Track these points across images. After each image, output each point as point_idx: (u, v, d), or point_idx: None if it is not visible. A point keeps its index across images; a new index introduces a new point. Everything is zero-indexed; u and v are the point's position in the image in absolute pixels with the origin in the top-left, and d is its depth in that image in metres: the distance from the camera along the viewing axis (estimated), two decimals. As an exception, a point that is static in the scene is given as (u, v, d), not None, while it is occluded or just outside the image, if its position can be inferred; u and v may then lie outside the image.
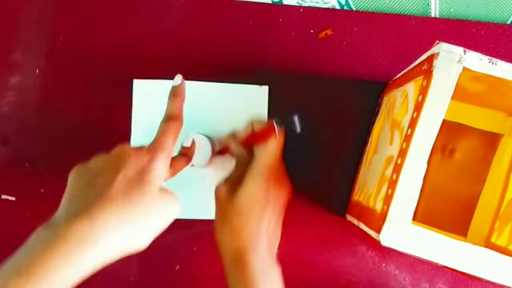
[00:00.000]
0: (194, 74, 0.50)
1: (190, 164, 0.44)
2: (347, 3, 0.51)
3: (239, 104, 0.50)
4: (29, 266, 0.29)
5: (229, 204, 0.41)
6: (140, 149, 0.36)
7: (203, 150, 0.50)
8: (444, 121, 0.31)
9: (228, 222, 0.41)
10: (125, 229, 0.32)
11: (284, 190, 0.44)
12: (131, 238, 0.33)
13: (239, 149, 0.45)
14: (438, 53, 0.32)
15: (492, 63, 0.32)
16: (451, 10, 0.52)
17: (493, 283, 0.32)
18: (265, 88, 0.50)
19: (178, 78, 0.41)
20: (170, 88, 0.42)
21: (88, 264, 0.30)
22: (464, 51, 0.32)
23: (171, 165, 0.38)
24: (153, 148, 0.36)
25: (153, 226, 0.34)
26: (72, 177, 0.36)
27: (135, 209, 0.33)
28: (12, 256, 0.31)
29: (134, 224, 0.33)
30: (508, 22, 0.52)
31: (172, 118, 0.39)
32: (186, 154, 0.43)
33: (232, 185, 0.42)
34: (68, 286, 0.30)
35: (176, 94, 0.41)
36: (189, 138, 0.44)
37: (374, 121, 0.48)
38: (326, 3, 0.51)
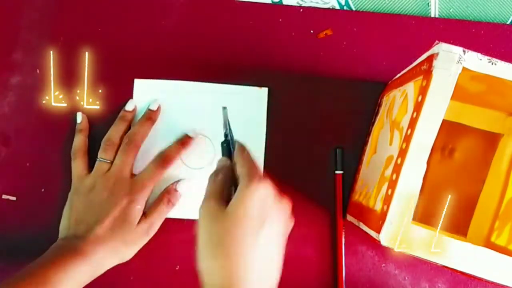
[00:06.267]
0: (194, 74, 0.50)
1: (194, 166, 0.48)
2: (347, 3, 0.51)
3: (239, 105, 0.50)
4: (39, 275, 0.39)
5: (219, 220, 0.34)
6: (128, 185, 0.45)
7: (202, 150, 0.50)
8: (444, 121, 0.31)
9: (217, 243, 0.33)
10: (112, 255, 0.44)
11: (284, 214, 0.36)
12: (117, 259, 0.45)
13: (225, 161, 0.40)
14: (437, 53, 0.32)
15: (492, 63, 0.32)
16: (450, 10, 0.52)
17: (493, 283, 0.32)
18: (265, 90, 0.50)
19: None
20: (170, 88, 0.50)
21: (84, 278, 0.42)
22: (464, 51, 0.32)
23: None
24: (136, 189, 0.45)
25: (133, 248, 0.46)
26: (74, 194, 0.47)
27: (118, 241, 0.44)
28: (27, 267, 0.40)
29: (118, 250, 0.44)
30: (508, 22, 0.52)
31: (164, 159, 0.47)
32: (150, 118, 0.48)
33: (221, 199, 0.35)
34: None
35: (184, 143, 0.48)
36: (156, 103, 0.49)
37: (374, 121, 0.48)
38: (326, 3, 0.51)
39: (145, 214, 0.46)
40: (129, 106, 0.49)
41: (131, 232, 0.45)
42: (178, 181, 0.49)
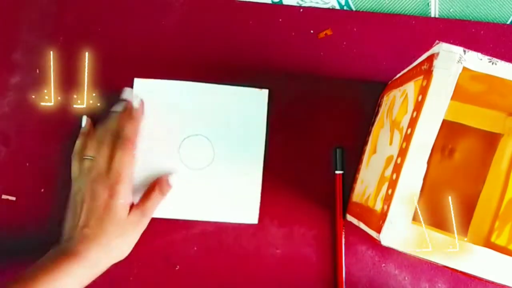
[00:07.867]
0: (194, 74, 0.50)
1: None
2: (347, 3, 0.51)
3: (239, 106, 0.50)
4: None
5: None
6: (107, 179, 0.44)
7: (202, 151, 0.50)
8: (444, 121, 0.31)
9: None
10: (106, 252, 0.43)
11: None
12: (113, 257, 0.44)
13: None
14: (438, 53, 0.32)
15: (492, 63, 0.32)
16: (451, 10, 0.52)
17: (493, 283, 0.32)
18: (265, 92, 0.50)
19: (137, 100, 0.48)
20: (170, 88, 0.49)
21: (81, 280, 0.41)
22: (464, 51, 0.32)
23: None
24: (114, 181, 0.43)
25: (127, 243, 0.45)
26: (74, 192, 0.46)
27: (109, 237, 0.43)
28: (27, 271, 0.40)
29: (112, 246, 0.43)
30: (508, 22, 0.52)
31: (128, 140, 0.45)
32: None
33: None
34: None
35: (133, 117, 0.47)
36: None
37: (374, 121, 0.48)
38: (326, 3, 0.51)
39: (136, 204, 0.45)
40: (117, 107, 0.48)
41: (122, 223, 0.44)
42: (171, 174, 0.48)
